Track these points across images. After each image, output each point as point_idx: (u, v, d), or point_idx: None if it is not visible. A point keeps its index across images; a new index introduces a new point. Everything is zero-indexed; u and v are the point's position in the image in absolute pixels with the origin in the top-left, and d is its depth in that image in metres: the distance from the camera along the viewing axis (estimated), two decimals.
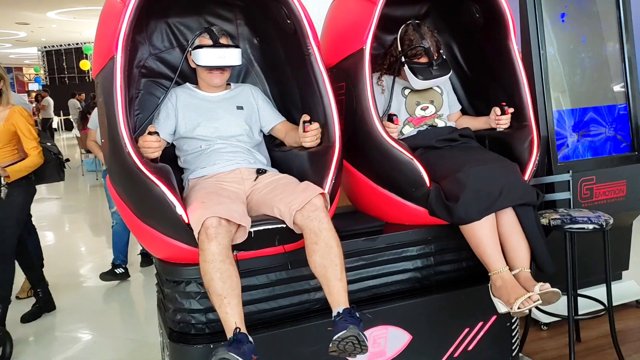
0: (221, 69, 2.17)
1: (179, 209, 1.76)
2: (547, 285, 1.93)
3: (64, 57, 23.32)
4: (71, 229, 3.98)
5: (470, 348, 2.27)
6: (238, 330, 1.64)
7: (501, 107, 2.39)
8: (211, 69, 2.15)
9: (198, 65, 2.14)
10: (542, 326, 2.82)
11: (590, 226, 2.24)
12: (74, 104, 15.89)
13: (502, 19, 2.38)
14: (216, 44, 2.12)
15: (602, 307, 2.50)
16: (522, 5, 2.69)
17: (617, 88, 2.95)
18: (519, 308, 1.87)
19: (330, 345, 1.68)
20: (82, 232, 5.90)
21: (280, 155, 2.32)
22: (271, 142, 2.41)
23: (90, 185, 8.95)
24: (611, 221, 2.29)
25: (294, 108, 2.36)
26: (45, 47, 22.71)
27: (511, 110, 2.39)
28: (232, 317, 1.66)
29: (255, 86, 2.43)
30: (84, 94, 16.71)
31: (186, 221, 1.77)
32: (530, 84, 2.48)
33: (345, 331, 1.64)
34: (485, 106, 2.53)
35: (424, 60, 2.33)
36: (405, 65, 2.34)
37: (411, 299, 2.19)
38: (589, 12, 2.89)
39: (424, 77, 2.30)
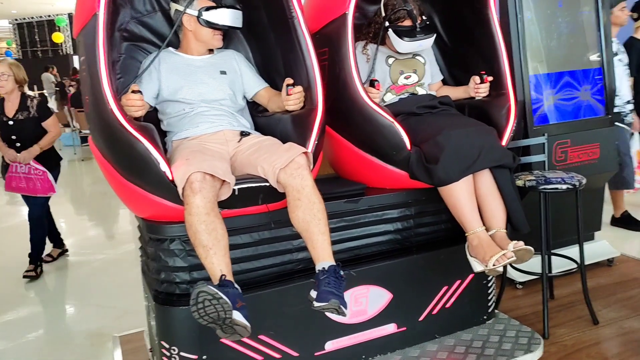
0: (222, 29, 2.21)
1: (163, 166, 1.77)
2: (521, 243, 2.00)
3: (36, 30, 22.65)
4: (50, 202, 3.94)
5: (448, 305, 2.35)
6: (224, 276, 1.67)
7: (480, 75, 2.44)
8: (220, 29, 2.20)
9: (210, 25, 2.17)
10: (517, 285, 2.92)
11: (564, 186, 2.31)
12: (48, 78, 15.51)
13: None
14: (223, 5, 2.18)
15: (575, 265, 2.60)
16: None
17: (592, 53, 3.01)
18: (493, 265, 1.94)
19: (315, 302, 1.73)
20: (63, 207, 5.84)
21: (263, 121, 2.34)
22: (254, 108, 2.42)
23: (68, 160, 8.83)
24: (584, 181, 2.37)
25: (276, 74, 2.37)
26: (16, 19, 22.03)
27: (490, 78, 2.44)
28: (217, 266, 1.69)
29: (238, 52, 2.43)
30: (56, 68, 16.31)
31: (170, 178, 1.78)
32: (507, 50, 2.53)
33: (325, 303, 1.70)
34: (465, 76, 2.58)
35: (407, 23, 2.37)
36: (390, 29, 2.37)
37: (392, 259, 2.25)
38: None
39: (409, 37, 2.34)
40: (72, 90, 10.18)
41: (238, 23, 2.22)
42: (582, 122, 2.92)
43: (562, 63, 2.91)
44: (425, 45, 2.43)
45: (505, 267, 2.41)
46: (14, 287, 3.59)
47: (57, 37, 18.34)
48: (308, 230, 1.82)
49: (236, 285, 1.68)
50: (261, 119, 2.35)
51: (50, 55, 21.52)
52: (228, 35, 2.49)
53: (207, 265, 1.71)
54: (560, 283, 2.87)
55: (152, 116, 2.26)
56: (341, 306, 1.70)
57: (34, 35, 22.23)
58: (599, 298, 2.78)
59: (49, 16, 21.00)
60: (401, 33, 2.35)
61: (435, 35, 2.44)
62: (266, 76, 2.42)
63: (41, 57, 21.46)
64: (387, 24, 2.39)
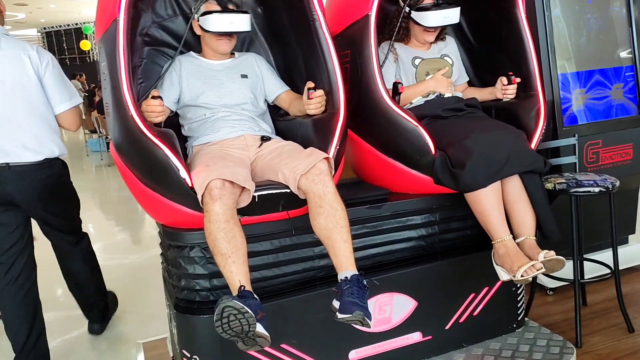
0: (230, 35, 2.15)
1: (183, 172, 1.75)
2: (552, 252, 1.92)
3: (64, 38, 23.10)
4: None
5: (475, 313, 2.28)
6: (243, 287, 1.64)
7: (508, 76, 2.36)
8: (221, 34, 2.13)
9: (207, 31, 2.11)
10: (548, 291, 2.83)
11: (597, 189, 2.22)
12: (76, 85, 15.83)
13: None
14: (225, 9, 2.10)
15: (608, 270, 2.50)
16: None
17: (623, 49, 2.90)
18: (522, 276, 1.87)
19: (338, 313, 1.69)
20: (90, 212, 5.93)
21: (284, 125, 2.30)
22: (275, 112, 2.39)
23: (95, 166, 8.97)
24: (617, 184, 2.27)
25: (298, 77, 2.34)
26: (44, 28, 22.47)
27: (518, 80, 2.36)
28: (236, 276, 1.66)
29: (260, 55, 2.41)
30: (84, 75, 16.64)
31: (190, 185, 1.76)
32: (535, 49, 2.45)
33: (349, 315, 1.66)
34: (492, 77, 2.50)
35: (429, 1, 2.33)
36: (412, 13, 2.33)
37: (416, 265, 2.19)
38: None
39: (434, 9, 2.28)
40: (98, 96, 10.37)
41: (242, 27, 2.09)
42: (614, 121, 2.81)
43: (592, 61, 2.81)
44: (453, 16, 2.32)
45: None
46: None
47: (85, 45, 18.69)
48: (330, 238, 1.77)
49: (255, 296, 1.65)
50: (282, 123, 2.32)
51: (78, 62, 21.90)
52: (249, 39, 2.48)
53: (226, 274, 1.68)
54: (593, 289, 2.76)
55: (173, 121, 2.26)
56: (365, 317, 1.65)
57: (62, 44, 22.69)
58: (635, 305, 2.68)
59: (76, 24, 21.40)
60: (425, 8, 2.30)
61: (459, 7, 2.35)
62: (288, 79, 2.40)
63: (69, 64, 21.83)
64: (407, 10, 2.34)
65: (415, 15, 2.34)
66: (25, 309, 2.49)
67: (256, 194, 1.81)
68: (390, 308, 2.13)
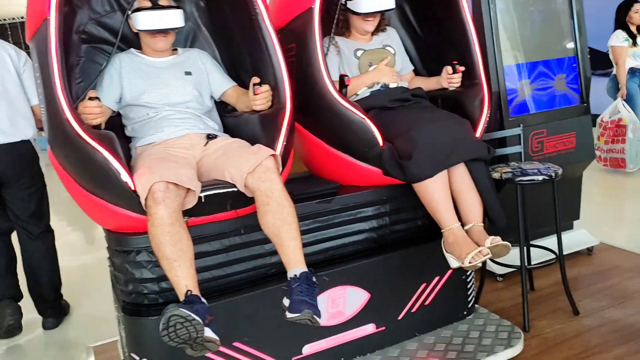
0: (163, 32, 2.08)
1: (124, 176, 1.70)
2: (498, 238, 1.97)
3: (9, 32, 22.14)
4: None
5: (427, 302, 2.32)
6: (189, 292, 1.61)
7: (452, 65, 2.39)
8: (152, 32, 2.07)
9: (138, 29, 2.05)
10: (497, 277, 2.90)
11: (540, 177, 2.28)
12: None
13: None
14: (155, 6, 2.03)
15: (553, 256, 2.58)
16: None
17: (566, 41, 2.98)
18: (470, 262, 1.91)
19: (287, 313, 1.69)
20: None
21: (232, 121, 2.27)
22: (222, 108, 2.35)
23: (45, 164, 8.63)
24: (560, 172, 2.34)
25: (244, 72, 2.30)
26: None
27: (462, 68, 2.39)
28: (183, 280, 1.63)
29: (204, 51, 2.36)
30: None
31: (132, 188, 1.72)
32: (480, 40, 2.49)
33: (298, 314, 1.66)
34: (438, 66, 2.52)
35: None
36: (347, 3, 2.32)
37: (368, 258, 2.20)
38: None
39: None
40: None
41: (173, 24, 2.04)
42: (557, 111, 2.89)
43: (536, 52, 2.87)
44: (387, 1, 2.31)
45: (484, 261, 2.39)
46: None
47: None
48: (278, 236, 1.77)
49: (203, 300, 1.64)
50: (230, 119, 2.29)
51: None
52: (192, 34, 2.42)
53: (172, 279, 1.65)
54: (541, 274, 2.85)
55: (117, 121, 2.19)
56: (314, 316, 1.65)
57: (6, 38, 21.68)
58: (580, 288, 2.77)
59: (22, 17, 20.45)
60: None
61: None
62: (234, 75, 2.35)
63: None
64: (344, 1, 2.33)
65: (350, 4, 2.33)
66: None
67: (202, 195, 1.79)
68: (344, 301, 2.15)
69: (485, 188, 2.11)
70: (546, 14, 2.91)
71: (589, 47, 6.65)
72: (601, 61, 6.21)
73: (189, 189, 1.73)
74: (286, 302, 1.70)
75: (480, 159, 2.12)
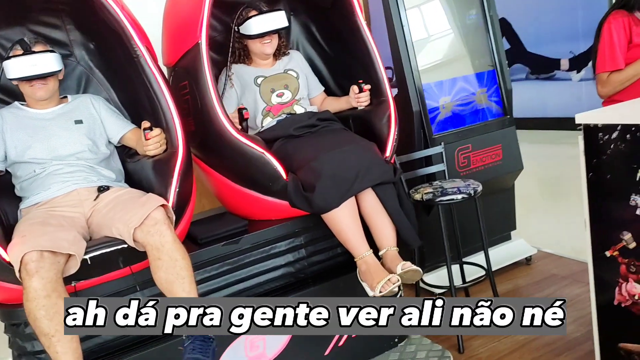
0: (40, 78, 1.95)
1: None
2: (408, 263, 1.91)
3: None
4: None
5: (354, 334, 2.24)
6: None
7: (358, 84, 2.34)
8: (28, 80, 1.95)
9: (10, 79, 1.94)
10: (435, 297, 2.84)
11: (459, 196, 2.23)
12: None
13: None
14: (26, 52, 1.92)
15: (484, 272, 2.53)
16: None
17: (484, 55, 2.95)
18: (380, 291, 1.84)
19: None
20: None
21: (132, 167, 2.16)
22: (125, 152, 2.24)
23: None
24: (479, 188, 2.29)
25: (144, 113, 2.18)
26: None
27: (367, 87, 2.34)
28: (62, 356, 1.53)
29: (98, 95, 2.25)
30: None
31: (7, 260, 1.60)
32: (396, 63, 2.44)
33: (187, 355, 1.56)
34: (350, 84, 2.46)
35: (253, 12, 2.29)
36: (240, 29, 2.28)
37: (287, 295, 2.12)
38: None
39: (258, 14, 2.24)
40: None
41: (47, 68, 1.91)
42: (481, 125, 2.86)
43: (454, 69, 2.84)
44: (279, 19, 2.28)
45: (417, 282, 2.34)
46: None
47: None
48: (172, 292, 1.67)
49: None
50: (130, 164, 2.18)
51: None
52: (85, 78, 2.31)
53: (52, 355, 1.54)
54: (480, 289, 2.77)
55: (8, 180, 2.06)
56: None
57: None
58: None
59: None
60: (250, 18, 2.25)
61: (283, 11, 2.33)
62: (135, 115, 2.25)
63: None
64: (237, 29, 2.28)
65: (242, 29, 2.28)
66: None
67: (88, 257, 1.68)
68: (263, 343, 2.06)
69: (394, 210, 2.05)
70: (461, 31, 2.88)
71: (533, 53, 6.75)
72: (543, 65, 6.32)
73: (69, 254, 1.62)
74: None
75: (387, 182, 2.06)
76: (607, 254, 1.75)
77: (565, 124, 6.14)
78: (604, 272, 1.78)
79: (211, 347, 1.61)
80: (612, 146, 1.65)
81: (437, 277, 2.67)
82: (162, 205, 1.75)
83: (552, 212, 3.90)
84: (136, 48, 1.96)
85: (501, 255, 2.96)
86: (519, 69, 6.36)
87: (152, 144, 1.93)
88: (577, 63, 6.08)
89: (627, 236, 1.67)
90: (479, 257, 2.74)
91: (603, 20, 2.39)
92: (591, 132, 1.69)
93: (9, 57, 1.92)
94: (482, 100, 2.93)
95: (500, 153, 2.90)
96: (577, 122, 1.72)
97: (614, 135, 1.63)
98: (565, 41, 6.06)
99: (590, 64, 5.64)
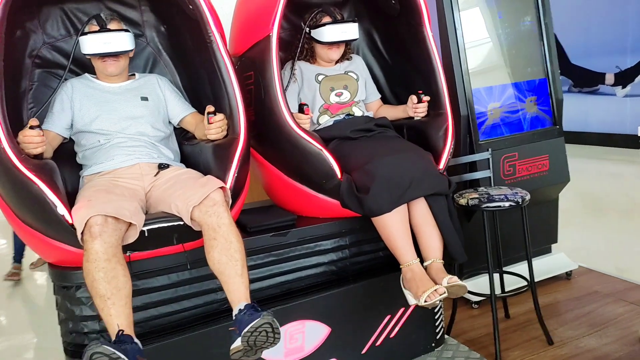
0: (113, 55, 2.02)
1: (61, 209, 1.63)
2: (455, 278, 1.91)
3: None
4: None
5: (392, 335, 2.25)
6: (121, 332, 1.53)
7: (417, 95, 2.35)
8: (101, 56, 2.01)
9: (84, 54, 2.00)
10: (473, 304, 2.82)
11: (507, 204, 2.22)
12: None
13: (416, 6, 2.34)
14: (102, 29, 1.98)
15: (526, 283, 2.51)
16: None
17: (536, 63, 2.94)
18: (425, 301, 1.84)
19: (239, 341, 1.58)
20: None
21: (189, 150, 2.21)
22: (182, 135, 2.29)
23: None
24: (528, 197, 2.27)
25: (205, 99, 2.24)
26: None
27: (427, 98, 2.35)
28: (115, 319, 1.55)
29: (164, 76, 2.30)
30: None
31: (70, 222, 1.64)
32: (447, 64, 2.44)
33: (258, 319, 1.56)
34: (406, 94, 2.48)
35: (327, 19, 2.33)
36: (311, 32, 2.33)
37: (327, 290, 2.14)
38: None
39: (332, 24, 2.28)
40: None
41: (120, 47, 1.97)
42: (528, 134, 2.84)
43: (505, 75, 2.83)
44: (351, 31, 2.32)
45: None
46: None
47: None
48: (224, 273, 1.69)
49: (136, 340, 1.55)
50: (188, 147, 2.23)
51: None
52: (153, 58, 2.37)
53: (105, 318, 1.57)
54: (517, 301, 2.77)
55: (69, 148, 2.12)
56: (274, 320, 1.56)
57: None
58: (556, 315, 2.70)
59: None
60: (324, 24, 2.30)
61: (357, 24, 2.37)
62: (196, 101, 2.31)
63: None
64: (308, 29, 2.33)
65: (314, 33, 2.33)
66: None
67: (146, 229, 1.72)
68: (302, 336, 2.07)
69: (444, 223, 2.05)
70: (514, 37, 2.87)
71: (576, 65, 6.65)
72: (587, 78, 6.20)
73: (130, 223, 1.66)
74: (237, 341, 1.61)
75: (440, 193, 2.06)
76: None
77: (608, 140, 6.07)
78: None
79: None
80: None
81: (475, 285, 2.65)
82: (221, 188, 1.78)
83: (593, 228, 3.86)
84: (211, 33, 2.01)
85: (541, 267, 2.92)
86: (562, 81, 6.34)
87: (214, 128, 1.97)
88: (623, 78, 5.96)
89: None
90: (518, 268, 2.73)
91: None
92: None
93: (84, 33, 1.99)
94: (532, 108, 2.91)
95: (547, 163, 2.88)
96: None
97: None
98: (612, 55, 5.94)
99: (637, 79, 5.57)
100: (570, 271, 3.07)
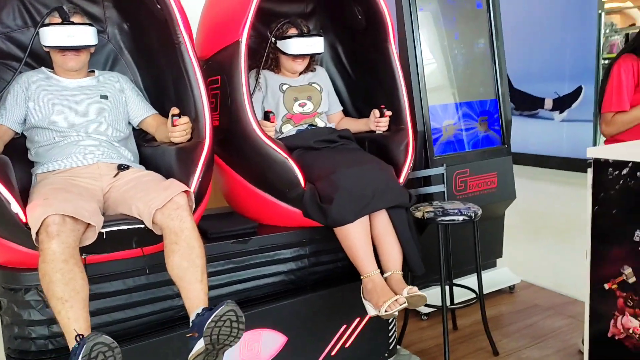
0: (74, 49, 1.95)
1: (15, 207, 1.55)
2: (415, 289, 1.95)
3: None
4: None
5: (347, 345, 2.25)
6: (80, 336, 1.46)
7: (380, 109, 2.40)
8: (61, 49, 1.94)
9: (44, 45, 1.92)
10: (422, 316, 2.88)
11: (460, 218, 2.29)
12: None
13: (382, 22, 2.39)
14: (64, 22, 1.91)
15: (475, 295, 2.59)
16: (397, 2, 2.72)
17: (488, 84, 3.07)
18: (386, 311, 1.87)
19: (201, 342, 1.55)
20: None
21: (149, 152, 2.15)
22: (142, 136, 2.23)
23: None
24: (480, 212, 2.36)
25: (167, 101, 2.20)
26: None
27: (389, 113, 2.40)
28: (74, 323, 1.49)
29: (125, 75, 2.24)
30: None
31: (24, 220, 1.56)
32: (406, 81, 2.51)
33: (222, 307, 1.54)
34: (368, 108, 2.52)
35: (293, 31, 2.36)
36: (277, 42, 2.35)
37: (285, 299, 2.12)
38: (461, 9, 2.97)
39: (298, 37, 2.32)
40: None
41: (83, 41, 1.91)
42: (479, 152, 2.95)
43: (460, 94, 2.94)
44: (316, 45, 2.36)
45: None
46: None
47: None
48: (184, 279, 1.65)
49: None
50: (148, 149, 2.17)
51: None
52: (113, 56, 2.30)
53: (62, 321, 1.50)
54: (464, 313, 2.85)
55: (20, 144, 2.02)
56: (238, 308, 1.56)
57: None
58: (500, 327, 2.80)
59: None
60: (291, 37, 2.33)
61: (322, 38, 2.42)
62: (157, 102, 2.26)
63: None
64: (273, 39, 2.35)
65: (280, 44, 2.35)
66: None
67: (104, 230, 1.66)
68: (259, 345, 2.04)
69: (404, 236, 2.09)
70: (469, 58, 2.99)
71: (519, 90, 6.95)
72: (528, 103, 6.51)
73: (89, 223, 1.60)
74: (197, 344, 1.57)
75: (401, 206, 2.11)
76: (606, 286, 1.80)
77: (545, 161, 6.37)
78: (600, 304, 1.82)
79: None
80: (621, 182, 1.71)
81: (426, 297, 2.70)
82: (185, 192, 1.74)
83: (532, 245, 4.03)
84: (179, 35, 1.97)
85: (487, 281, 3.01)
86: None
87: (178, 131, 1.93)
88: (561, 104, 6.30)
89: (628, 271, 1.73)
90: (465, 281, 2.81)
91: (613, 62, 2.52)
92: (601, 167, 1.76)
93: (45, 24, 1.91)
94: (483, 127, 3.03)
95: (496, 180, 3.00)
96: (587, 155, 1.79)
97: (624, 171, 1.70)
98: (551, 81, 6.26)
99: (573, 105, 5.88)
100: (514, 285, 3.19)
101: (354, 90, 2.72)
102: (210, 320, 1.54)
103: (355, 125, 2.54)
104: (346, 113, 2.69)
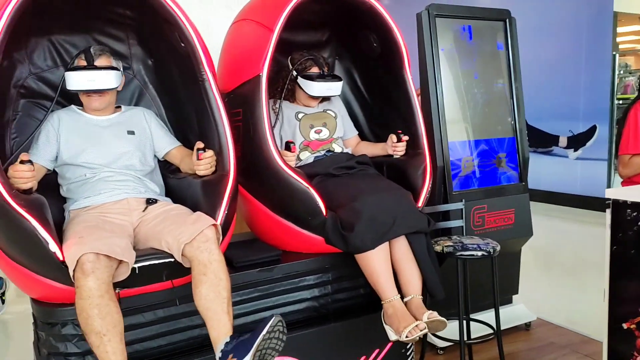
0: (97, 92, 2.04)
1: (53, 246, 1.62)
2: (435, 313, 1.98)
3: None
4: None
5: None
6: None
7: (397, 134, 2.45)
8: (85, 92, 2.04)
9: (69, 89, 2.01)
10: (438, 350, 2.88)
11: (479, 253, 2.32)
12: None
13: (397, 50, 2.45)
14: (89, 66, 2.00)
15: (492, 331, 2.59)
16: (419, 41, 2.77)
17: (506, 122, 3.12)
18: (407, 336, 1.91)
19: (253, 350, 1.59)
20: None
21: (174, 183, 2.23)
22: (166, 168, 2.31)
23: None
24: (498, 248, 2.38)
25: (190, 133, 2.28)
26: None
27: (406, 138, 2.45)
28: (112, 356, 1.55)
29: (149, 109, 2.32)
30: None
31: (61, 259, 1.63)
32: (426, 116, 2.56)
33: (272, 319, 1.62)
34: (384, 132, 2.58)
35: (315, 70, 2.44)
36: (299, 78, 2.42)
37: (308, 328, 2.16)
38: (480, 50, 3.03)
39: (319, 79, 2.40)
40: None
41: (104, 85, 2.00)
42: (497, 188, 2.98)
43: (479, 131, 2.99)
44: (335, 88, 2.45)
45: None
46: None
47: None
48: (210, 309, 1.71)
49: None
50: (173, 180, 2.24)
51: None
52: (140, 92, 2.39)
53: (100, 355, 1.56)
54: (481, 348, 2.82)
55: (52, 179, 2.10)
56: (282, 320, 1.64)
57: None
58: None
59: None
60: (311, 77, 2.41)
61: (342, 81, 2.51)
62: (180, 134, 2.33)
63: None
64: (294, 74, 2.41)
65: (301, 82, 2.42)
66: None
67: (137, 266, 1.72)
68: None
69: (424, 261, 2.13)
70: (488, 96, 3.04)
71: (534, 127, 7.00)
72: (542, 140, 6.56)
73: (122, 260, 1.67)
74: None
75: (421, 231, 2.15)
76: (624, 326, 1.82)
77: (558, 198, 6.37)
78: (619, 344, 1.85)
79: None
80: (639, 223, 1.75)
81: (442, 332, 2.72)
82: (213, 225, 1.80)
83: (545, 282, 4.01)
84: (203, 72, 2.05)
85: (503, 317, 2.99)
86: None
87: (203, 164, 1.99)
88: (575, 142, 6.33)
89: None
90: (482, 316, 2.80)
91: (630, 105, 2.55)
92: (619, 208, 1.80)
93: (72, 68, 2.00)
94: (501, 164, 3.06)
95: (513, 217, 3.01)
96: (606, 195, 1.83)
97: None
98: (565, 120, 6.30)
99: (588, 143, 5.91)
100: (529, 322, 3.18)
101: (371, 114, 2.78)
102: (264, 332, 1.60)
103: (373, 149, 2.60)
104: (363, 137, 2.74)
